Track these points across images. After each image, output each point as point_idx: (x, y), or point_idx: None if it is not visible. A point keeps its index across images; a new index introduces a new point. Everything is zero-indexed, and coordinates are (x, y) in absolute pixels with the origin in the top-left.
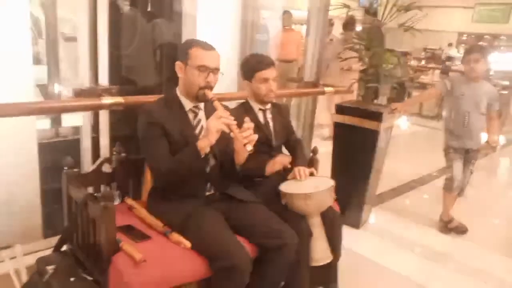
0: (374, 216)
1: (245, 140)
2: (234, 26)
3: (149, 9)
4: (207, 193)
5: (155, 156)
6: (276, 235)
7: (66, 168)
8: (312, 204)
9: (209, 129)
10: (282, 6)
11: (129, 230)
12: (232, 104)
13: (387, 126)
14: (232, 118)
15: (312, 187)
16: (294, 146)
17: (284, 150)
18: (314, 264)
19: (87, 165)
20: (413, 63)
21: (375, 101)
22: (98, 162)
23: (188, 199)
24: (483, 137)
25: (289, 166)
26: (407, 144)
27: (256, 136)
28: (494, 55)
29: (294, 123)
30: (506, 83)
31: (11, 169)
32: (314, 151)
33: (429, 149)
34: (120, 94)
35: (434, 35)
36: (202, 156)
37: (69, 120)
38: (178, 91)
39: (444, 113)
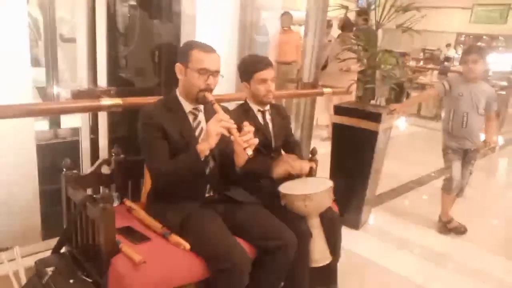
0: (373, 217)
1: (245, 144)
2: (233, 27)
3: (147, 10)
4: (206, 195)
5: (154, 158)
6: (276, 236)
7: (65, 169)
8: (311, 205)
9: (209, 133)
10: (281, 7)
11: (128, 231)
12: (231, 105)
13: (386, 127)
14: (232, 121)
15: (311, 188)
16: (293, 148)
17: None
18: (314, 265)
19: (86, 167)
20: (412, 63)
21: (372, 102)
22: (97, 163)
23: (187, 200)
24: (482, 137)
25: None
26: (406, 144)
27: (256, 140)
28: (492, 55)
29: (293, 124)
30: (504, 83)
31: (10, 170)
32: (313, 152)
33: (428, 150)
34: (118, 96)
35: (432, 36)
36: (202, 159)
37: (68, 122)
38: (178, 93)
39: (442, 114)
